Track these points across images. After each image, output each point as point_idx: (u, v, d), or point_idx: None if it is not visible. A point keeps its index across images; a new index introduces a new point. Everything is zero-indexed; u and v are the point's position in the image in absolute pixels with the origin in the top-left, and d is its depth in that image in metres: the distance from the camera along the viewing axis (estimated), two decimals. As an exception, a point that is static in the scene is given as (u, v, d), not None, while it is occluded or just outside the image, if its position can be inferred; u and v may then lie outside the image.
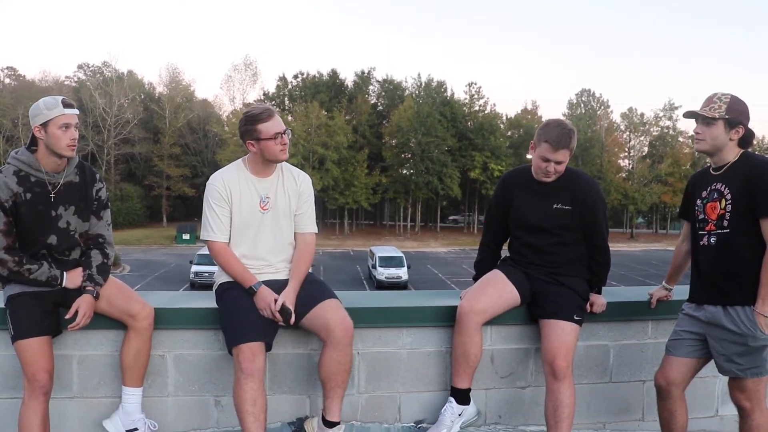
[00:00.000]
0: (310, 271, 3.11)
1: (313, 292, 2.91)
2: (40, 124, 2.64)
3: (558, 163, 2.96)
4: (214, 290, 3.04)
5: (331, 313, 2.82)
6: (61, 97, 2.70)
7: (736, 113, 2.71)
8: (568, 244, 3.07)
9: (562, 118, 3.10)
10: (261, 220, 2.94)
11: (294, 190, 3.01)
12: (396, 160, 66.26)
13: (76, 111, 2.72)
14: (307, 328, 2.93)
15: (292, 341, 3.12)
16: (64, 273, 2.77)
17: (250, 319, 2.77)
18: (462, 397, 3.06)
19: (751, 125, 2.75)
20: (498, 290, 3.06)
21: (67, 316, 2.71)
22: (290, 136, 2.95)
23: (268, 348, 2.81)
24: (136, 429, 2.88)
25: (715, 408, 3.53)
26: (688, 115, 2.81)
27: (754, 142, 2.80)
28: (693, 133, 2.83)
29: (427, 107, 64.88)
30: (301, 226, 3.04)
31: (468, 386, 3.07)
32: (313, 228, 3.07)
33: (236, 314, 2.80)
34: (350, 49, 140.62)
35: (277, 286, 2.90)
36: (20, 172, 2.68)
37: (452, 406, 3.05)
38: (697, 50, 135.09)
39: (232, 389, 2.72)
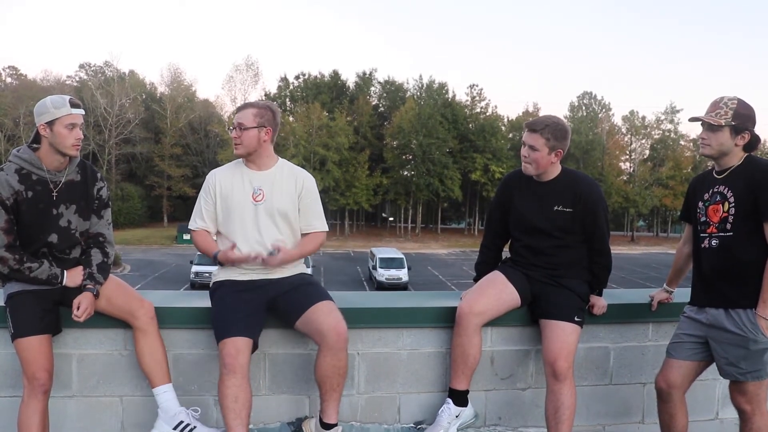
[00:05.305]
0: (309, 272, 3.10)
1: (306, 294, 2.89)
2: (46, 123, 2.64)
3: (531, 148, 2.95)
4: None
5: (323, 317, 2.78)
6: (68, 97, 2.71)
7: (742, 119, 2.67)
8: (569, 246, 3.06)
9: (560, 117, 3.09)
10: (255, 212, 2.91)
11: (292, 189, 2.97)
12: (397, 162, 66.26)
13: (82, 111, 2.72)
14: (301, 332, 2.92)
15: (292, 341, 3.12)
16: (65, 271, 2.77)
17: (236, 315, 2.77)
18: (460, 398, 3.05)
19: (756, 129, 2.71)
20: (498, 291, 3.05)
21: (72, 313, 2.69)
22: (235, 133, 2.89)
23: (255, 346, 2.80)
24: (182, 422, 2.85)
25: (715, 411, 3.52)
26: (694, 120, 2.78)
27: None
28: (697, 138, 2.80)
29: (429, 109, 64.90)
30: (306, 227, 3.01)
31: (466, 388, 3.06)
32: (320, 227, 3.03)
33: (223, 310, 2.81)
34: (352, 50, 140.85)
35: (272, 285, 2.89)
36: (22, 170, 2.68)
37: (449, 407, 3.04)
38: (700, 53, 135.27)
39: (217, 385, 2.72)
